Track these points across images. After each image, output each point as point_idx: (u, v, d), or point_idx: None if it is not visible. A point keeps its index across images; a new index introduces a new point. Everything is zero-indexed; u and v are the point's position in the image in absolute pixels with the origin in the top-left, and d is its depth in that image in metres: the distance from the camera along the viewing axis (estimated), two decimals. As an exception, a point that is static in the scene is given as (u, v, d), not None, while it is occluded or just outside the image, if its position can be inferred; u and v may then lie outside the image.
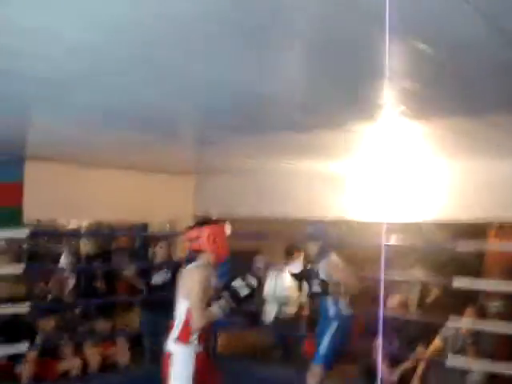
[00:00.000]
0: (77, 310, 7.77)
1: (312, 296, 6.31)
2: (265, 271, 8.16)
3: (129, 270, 7.79)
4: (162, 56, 3.31)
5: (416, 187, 7.21)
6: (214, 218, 4.59)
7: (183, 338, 4.14)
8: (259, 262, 8.41)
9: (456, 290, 5.92)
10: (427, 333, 6.43)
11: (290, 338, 7.86)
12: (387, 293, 6.97)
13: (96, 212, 8.29)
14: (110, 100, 4.35)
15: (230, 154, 6.95)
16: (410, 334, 6.58)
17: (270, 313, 7.90)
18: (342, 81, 3.77)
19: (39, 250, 9.83)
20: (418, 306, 7.26)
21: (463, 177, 6.73)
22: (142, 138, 5.96)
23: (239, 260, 5.83)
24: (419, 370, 6.29)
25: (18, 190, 7.09)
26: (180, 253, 8.05)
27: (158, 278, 7.36)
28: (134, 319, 8.07)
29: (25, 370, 6.49)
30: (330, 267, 5.67)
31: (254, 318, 8.02)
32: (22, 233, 6.71)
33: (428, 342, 6.37)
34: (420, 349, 6.44)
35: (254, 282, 4.38)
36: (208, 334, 4.40)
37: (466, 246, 6.01)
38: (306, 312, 7.80)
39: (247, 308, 7.29)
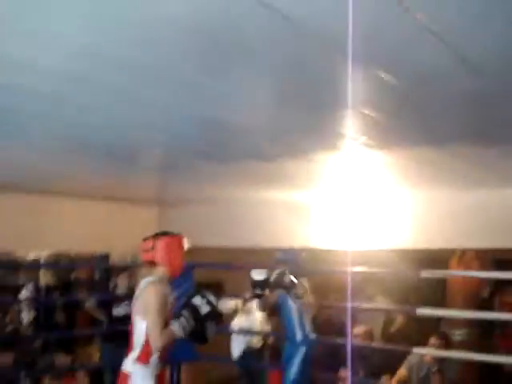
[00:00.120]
0: (36, 344, 7.56)
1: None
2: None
3: (89, 302, 7.63)
4: (126, 84, 3.27)
5: (379, 216, 7.25)
6: (170, 232, 4.39)
7: (143, 358, 3.94)
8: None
9: (420, 318, 5.93)
10: (392, 362, 6.40)
11: (254, 370, 7.75)
12: (352, 321, 6.96)
13: (56, 242, 8.14)
14: (71, 127, 4.28)
15: (194, 182, 6.92)
16: (375, 363, 6.54)
17: (236, 348, 7.76)
18: (305, 110, 3.78)
19: (-4, 282, 9.58)
20: (383, 335, 7.24)
21: (427, 206, 6.81)
22: (102, 166, 5.89)
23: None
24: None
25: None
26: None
27: (119, 310, 7.20)
28: (95, 352, 7.88)
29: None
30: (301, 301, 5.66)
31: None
32: (-23, 265, 6.52)
33: (393, 371, 6.34)
34: (385, 378, 6.40)
35: (213, 299, 4.24)
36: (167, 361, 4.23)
37: (428, 274, 6.02)
38: (270, 342, 7.71)
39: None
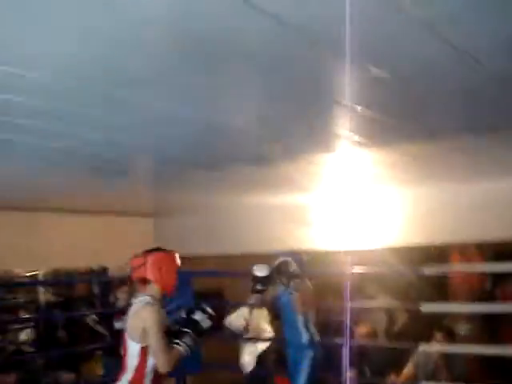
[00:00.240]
0: (38, 362, 7.50)
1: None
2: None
3: (90, 317, 7.59)
4: (110, 90, 3.22)
5: (377, 215, 7.23)
6: (163, 248, 4.26)
7: (137, 382, 3.82)
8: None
9: (423, 315, 5.90)
10: (398, 360, 6.38)
11: (260, 376, 7.69)
12: (355, 322, 6.93)
13: (53, 259, 8.10)
14: (57, 140, 4.22)
15: (189, 192, 6.88)
16: (381, 363, 6.53)
17: (247, 357, 7.61)
18: (297, 110, 3.74)
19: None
20: (387, 334, 7.22)
21: (426, 202, 6.80)
22: (91, 180, 5.84)
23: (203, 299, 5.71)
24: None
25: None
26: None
27: (120, 324, 7.15)
28: (98, 367, 7.82)
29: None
30: (303, 295, 5.59)
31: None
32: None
33: (399, 369, 6.32)
34: (392, 376, 6.38)
35: (211, 310, 4.16)
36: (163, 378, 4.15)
37: (430, 271, 6.01)
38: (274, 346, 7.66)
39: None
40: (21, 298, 9.21)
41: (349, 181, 6.37)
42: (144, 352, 3.81)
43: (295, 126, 4.11)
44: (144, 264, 3.98)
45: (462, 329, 6.51)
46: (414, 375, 6.14)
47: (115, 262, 8.56)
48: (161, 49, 2.65)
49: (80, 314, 8.25)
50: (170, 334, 3.90)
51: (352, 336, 6.58)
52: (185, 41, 2.55)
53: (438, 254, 6.82)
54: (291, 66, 2.93)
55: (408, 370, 6.22)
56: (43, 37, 2.44)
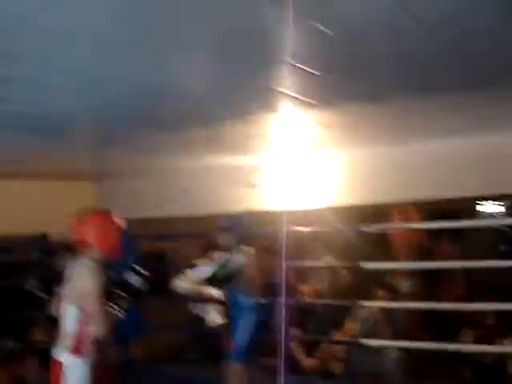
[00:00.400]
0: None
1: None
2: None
3: (30, 283, 7.45)
4: (52, 49, 3.12)
5: (319, 175, 7.30)
6: (104, 209, 4.09)
7: (78, 349, 3.74)
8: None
9: (365, 273, 6.03)
10: (340, 317, 6.52)
11: (209, 336, 7.72)
12: (298, 281, 7.03)
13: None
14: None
15: (136, 155, 6.78)
16: (324, 320, 6.65)
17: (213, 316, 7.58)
18: (242, 68, 3.71)
19: None
20: (329, 292, 7.35)
21: (365, 163, 6.89)
22: (30, 142, 5.67)
23: (150, 262, 5.68)
24: (338, 354, 6.37)
25: None
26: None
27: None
28: (41, 333, 7.72)
29: None
30: (245, 260, 5.60)
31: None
32: None
33: (342, 326, 6.46)
34: (335, 333, 6.52)
35: (142, 270, 4.05)
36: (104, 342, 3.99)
37: (369, 229, 6.13)
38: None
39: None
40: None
41: (291, 142, 6.38)
42: (82, 316, 3.73)
43: (239, 86, 4.08)
44: (83, 226, 3.86)
45: (403, 285, 6.69)
46: (356, 332, 6.29)
47: (57, 227, 8.40)
48: (105, 8, 2.59)
49: (19, 280, 8.09)
50: (106, 298, 3.81)
51: (295, 295, 6.68)
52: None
53: (377, 213, 6.95)
54: (233, 22, 2.89)
55: (350, 326, 6.37)
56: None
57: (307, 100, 4.22)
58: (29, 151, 6.26)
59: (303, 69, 3.49)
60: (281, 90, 4.04)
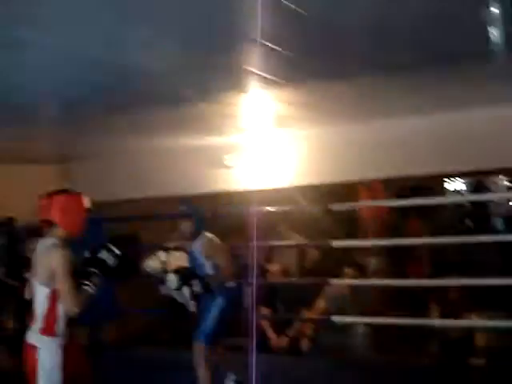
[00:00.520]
0: None
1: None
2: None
3: (-2, 270, 7.38)
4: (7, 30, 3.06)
5: (285, 154, 7.34)
6: (70, 189, 4.08)
7: (49, 329, 3.73)
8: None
9: (333, 251, 6.10)
10: (310, 295, 6.57)
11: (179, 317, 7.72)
12: (266, 260, 7.08)
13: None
14: None
15: (105, 136, 6.70)
16: (293, 299, 6.70)
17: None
18: (208, 46, 3.69)
19: None
20: (298, 270, 7.41)
21: (333, 141, 6.94)
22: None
23: (119, 244, 5.63)
24: (307, 332, 6.44)
25: None
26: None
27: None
28: (14, 320, 7.64)
29: None
30: (206, 246, 5.53)
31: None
32: None
33: (311, 305, 6.52)
34: (305, 311, 6.58)
35: (117, 250, 4.05)
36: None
37: (338, 207, 6.17)
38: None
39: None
40: None
41: (258, 122, 6.39)
42: (53, 296, 3.71)
43: (207, 65, 4.07)
44: (49, 206, 3.83)
45: (372, 263, 6.78)
46: (326, 310, 6.35)
47: (22, 212, 8.30)
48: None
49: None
50: (77, 276, 3.76)
51: (264, 275, 6.71)
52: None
53: (345, 191, 7.01)
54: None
55: (319, 304, 6.43)
56: None
57: (274, 79, 4.24)
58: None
59: (272, 47, 3.51)
60: (249, 68, 4.05)
